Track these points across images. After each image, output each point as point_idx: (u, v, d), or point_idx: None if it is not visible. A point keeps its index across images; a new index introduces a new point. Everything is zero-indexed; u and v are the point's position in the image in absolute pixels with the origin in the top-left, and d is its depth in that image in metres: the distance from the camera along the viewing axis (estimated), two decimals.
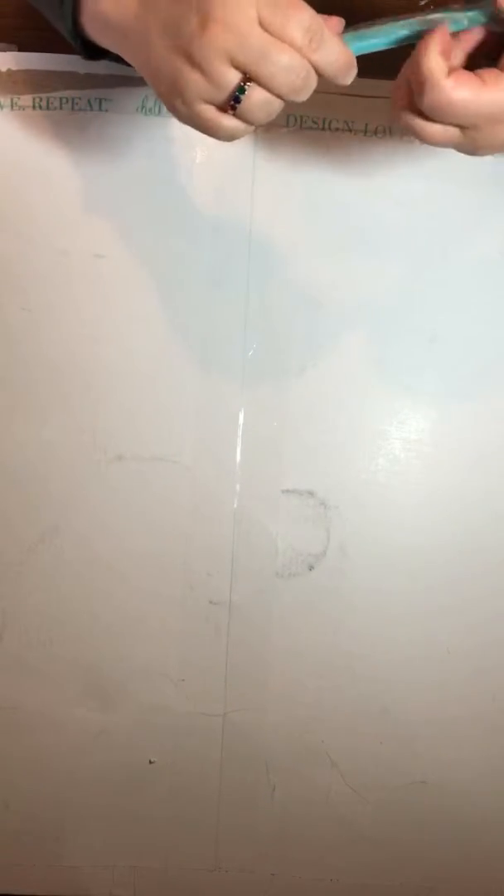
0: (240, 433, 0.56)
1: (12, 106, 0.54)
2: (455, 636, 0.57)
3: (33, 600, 0.57)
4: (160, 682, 0.57)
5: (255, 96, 0.36)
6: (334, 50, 0.36)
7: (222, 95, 0.36)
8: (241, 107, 0.36)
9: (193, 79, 0.36)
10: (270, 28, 0.35)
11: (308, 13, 0.35)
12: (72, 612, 0.57)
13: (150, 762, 0.58)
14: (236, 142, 0.54)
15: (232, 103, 0.36)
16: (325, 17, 0.36)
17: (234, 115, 0.37)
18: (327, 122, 0.54)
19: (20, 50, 0.54)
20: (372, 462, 0.56)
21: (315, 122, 0.54)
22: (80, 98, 0.54)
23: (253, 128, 0.38)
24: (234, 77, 0.35)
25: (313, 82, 0.36)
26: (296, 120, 0.54)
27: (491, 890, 0.59)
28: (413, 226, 0.55)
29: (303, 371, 0.56)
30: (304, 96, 0.37)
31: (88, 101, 0.54)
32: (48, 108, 0.54)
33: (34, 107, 0.54)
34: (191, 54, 0.35)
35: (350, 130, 0.41)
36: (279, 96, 0.36)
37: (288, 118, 0.54)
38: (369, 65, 0.39)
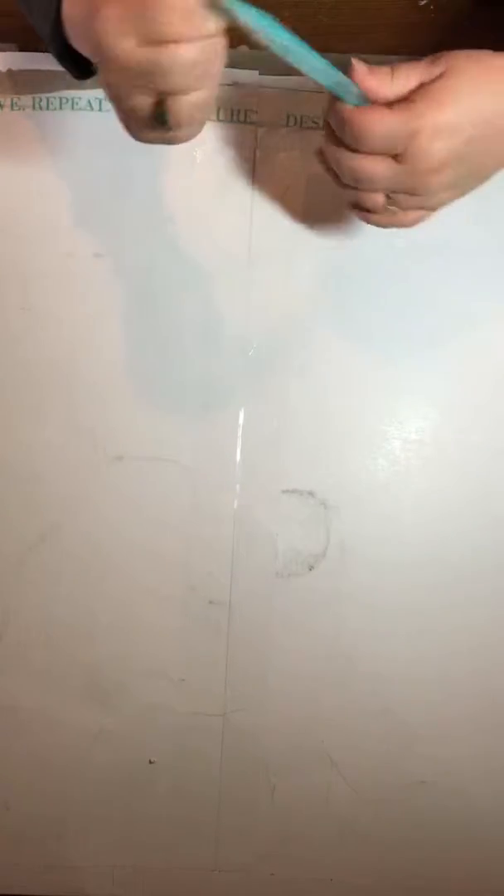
0: (240, 433, 0.56)
1: (12, 106, 0.54)
2: (455, 636, 0.57)
3: (33, 600, 0.57)
4: (160, 682, 0.57)
5: (177, 106, 0.35)
6: None
7: (149, 122, 0.36)
8: (172, 122, 0.35)
9: (120, 111, 0.36)
10: (146, 39, 0.32)
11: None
12: (72, 612, 0.57)
13: (150, 762, 0.58)
14: (236, 142, 0.54)
15: (157, 124, 0.35)
16: None
17: (169, 131, 0.36)
18: None
19: (20, 50, 0.54)
20: (372, 462, 0.56)
21: (315, 122, 0.54)
22: (80, 98, 0.54)
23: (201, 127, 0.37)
24: (145, 102, 0.35)
25: (216, 57, 0.33)
26: (296, 120, 0.54)
27: (491, 890, 0.59)
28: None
29: (303, 371, 0.56)
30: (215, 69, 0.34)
31: (88, 101, 0.54)
32: (48, 108, 0.54)
33: (34, 107, 0.54)
34: (108, 85, 0.35)
35: None
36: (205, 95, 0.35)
37: (288, 118, 0.54)
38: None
